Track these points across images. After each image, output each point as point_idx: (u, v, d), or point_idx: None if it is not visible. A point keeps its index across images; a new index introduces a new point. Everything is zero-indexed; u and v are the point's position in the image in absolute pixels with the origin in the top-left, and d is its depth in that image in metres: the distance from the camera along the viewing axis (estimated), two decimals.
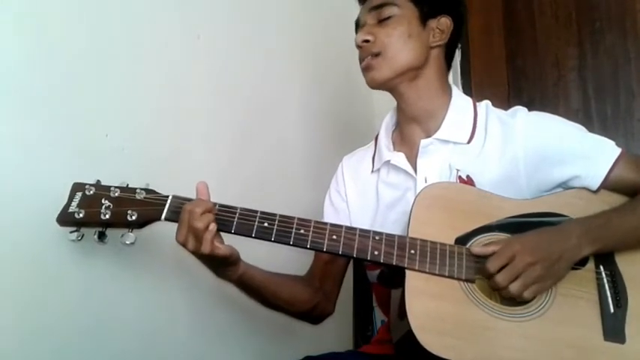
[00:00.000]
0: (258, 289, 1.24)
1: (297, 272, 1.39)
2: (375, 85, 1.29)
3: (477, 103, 1.33)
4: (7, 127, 1.10)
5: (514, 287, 1.06)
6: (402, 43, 1.26)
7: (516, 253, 1.07)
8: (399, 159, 1.30)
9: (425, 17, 1.29)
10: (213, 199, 1.13)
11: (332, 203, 1.42)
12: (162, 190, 1.15)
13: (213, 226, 1.08)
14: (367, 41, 1.27)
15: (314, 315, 1.38)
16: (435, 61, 1.31)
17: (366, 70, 1.29)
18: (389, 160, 1.32)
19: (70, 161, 1.20)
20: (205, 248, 1.07)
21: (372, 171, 1.37)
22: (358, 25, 1.33)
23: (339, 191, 1.42)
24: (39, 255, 1.14)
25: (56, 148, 1.18)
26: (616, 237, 1.15)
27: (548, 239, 1.10)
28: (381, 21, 1.28)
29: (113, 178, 1.16)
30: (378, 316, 1.66)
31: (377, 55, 1.26)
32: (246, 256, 1.17)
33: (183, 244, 1.08)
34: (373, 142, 1.43)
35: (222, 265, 1.14)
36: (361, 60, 1.30)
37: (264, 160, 1.74)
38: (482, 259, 1.10)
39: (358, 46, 1.30)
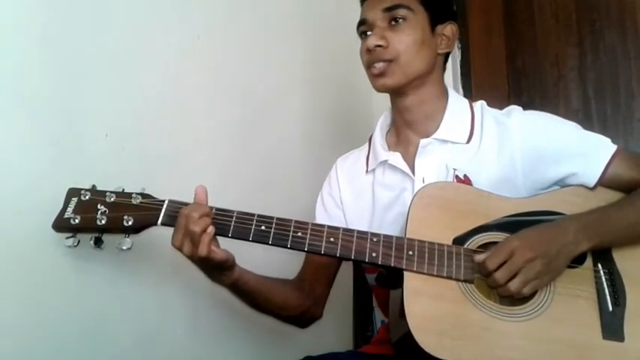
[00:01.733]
0: (252, 294, 1.24)
1: (290, 272, 1.39)
2: (384, 90, 1.28)
3: (473, 104, 1.33)
4: (7, 127, 1.11)
5: (513, 284, 1.06)
6: (415, 50, 1.24)
7: (515, 249, 1.07)
8: (397, 159, 1.30)
9: (434, 22, 1.28)
10: (212, 200, 1.13)
11: (325, 209, 1.40)
12: (162, 190, 1.15)
13: (211, 229, 1.07)
14: (380, 46, 1.24)
15: (303, 319, 1.37)
16: (439, 66, 1.32)
17: (378, 76, 1.25)
18: (386, 160, 1.31)
19: (69, 161, 1.20)
20: (202, 251, 1.06)
21: (367, 171, 1.37)
22: (364, 24, 1.29)
23: (332, 196, 1.40)
24: (36, 258, 1.14)
25: (56, 148, 1.18)
26: (613, 232, 1.15)
27: (546, 235, 1.11)
28: (393, 24, 1.25)
29: (113, 178, 1.17)
30: (378, 316, 1.66)
31: (389, 61, 1.24)
32: (240, 257, 1.17)
33: (179, 248, 1.08)
34: (367, 142, 1.42)
35: (218, 269, 1.13)
36: (369, 63, 1.26)
37: (264, 160, 1.74)
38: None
39: (368, 50, 1.26)
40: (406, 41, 1.24)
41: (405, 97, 1.29)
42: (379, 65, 1.25)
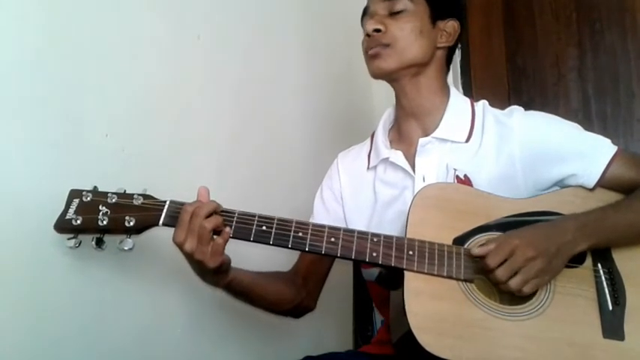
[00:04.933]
0: (246, 293, 1.25)
1: (284, 265, 1.40)
2: (379, 73, 1.29)
3: (475, 103, 1.34)
4: (7, 128, 1.11)
5: (514, 282, 1.06)
6: (413, 38, 1.26)
7: (515, 247, 1.07)
8: (398, 157, 1.30)
9: (435, 17, 1.29)
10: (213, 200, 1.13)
11: (323, 201, 1.41)
12: (162, 190, 1.15)
13: (227, 232, 1.08)
14: (378, 30, 1.26)
15: (296, 312, 1.39)
16: (438, 60, 1.32)
17: (373, 58, 1.27)
18: (387, 158, 1.31)
19: (69, 162, 1.20)
20: (216, 261, 1.08)
21: (368, 168, 1.37)
22: (366, 14, 1.32)
23: (332, 190, 1.41)
24: (37, 259, 1.14)
25: (56, 149, 1.18)
26: (611, 232, 1.15)
27: (546, 234, 1.11)
28: (393, 14, 1.27)
29: (113, 178, 1.17)
30: (378, 316, 1.66)
31: (386, 45, 1.26)
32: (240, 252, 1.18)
33: (181, 245, 1.07)
34: (369, 139, 1.43)
35: (215, 271, 1.13)
36: (368, 49, 1.29)
37: (265, 159, 1.74)
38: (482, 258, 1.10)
39: (367, 35, 1.28)
40: (404, 28, 1.26)
41: (402, 84, 1.30)
42: (376, 48, 1.27)
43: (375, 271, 1.29)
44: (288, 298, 1.34)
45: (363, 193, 1.36)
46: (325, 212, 1.39)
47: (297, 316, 1.40)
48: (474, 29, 2.28)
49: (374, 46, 1.27)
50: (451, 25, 1.32)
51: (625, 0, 2.07)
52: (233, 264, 1.17)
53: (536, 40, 2.21)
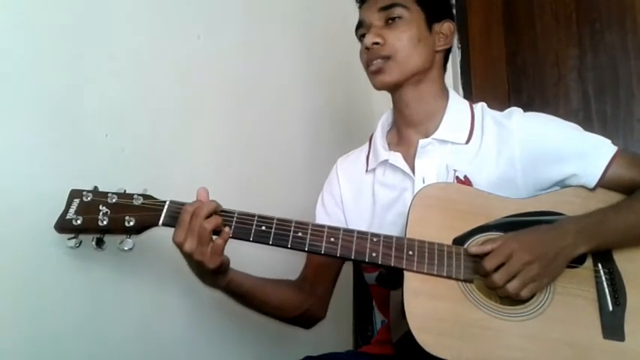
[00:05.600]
0: (247, 297, 1.24)
1: (291, 271, 1.39)
2: (382, 87, 1.29)
3: (473, 105, 1.34)
4: (7, 128, 1.11)
5: (511, 286, 1.06)
6: (412, 47, 1.25)
7: (513, 251, 1.07)
8: (397, 159, 1.30)
9: (431, 21, 1.29)
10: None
11: (324, 207, 1.41)
12: (162, 190, 1.15)
13: (227, 231, 1.08)
14: (377, 43, 1.26)
15: (305, 320, 1.37)
16: (438, 64, 1.32)
17: (375, 73, 1.27)
18: (386, 160, 1.31)
19: (69, 162, 1.20)
20: (215, 261, 1.08)
21: (367, 171, 1.37)
22: (362, 26, 1.31)
23: (333, 195, 1.40)
24: (37, 259, 1.14)
25: (56, 149, 1.18)
26: (612, 234, 1.15)
27: (545, 237, 1.10)
28: (389, 23, 1.26)
29: (113, 178, 1.17)
30: (378, 316, 1.66)
31: (387, 58, 1.25)
32: (244, 258, 1.17)
33: (180, 245, 1.07)
34: (367, 142, 1.43)
35: (213, 272, 1.13)
36: (368, 62, 1.28)
37: (264, 160, 1.74)
38: (479, 258, 1.09)
39: (366, 48, 1.27)
40: (402, 38, 1.25)
41: (404, 94, 1.29)
42: (377, 62, 1.26)
43: (375, 273, 1.29)
44: (294, 304, 1.33)
45: (362, 197, 1.35)
46: (327, 217, 1.38)
47: (307, 326, 1.39)
48: (473, 29, 2.28)
49: (374, 59, 1.26)
50: (447, 27, 1.32)
51: (625, 0, 2.07)
52: (233, 265, 1.17)
53: (536, 40, 2.21)
